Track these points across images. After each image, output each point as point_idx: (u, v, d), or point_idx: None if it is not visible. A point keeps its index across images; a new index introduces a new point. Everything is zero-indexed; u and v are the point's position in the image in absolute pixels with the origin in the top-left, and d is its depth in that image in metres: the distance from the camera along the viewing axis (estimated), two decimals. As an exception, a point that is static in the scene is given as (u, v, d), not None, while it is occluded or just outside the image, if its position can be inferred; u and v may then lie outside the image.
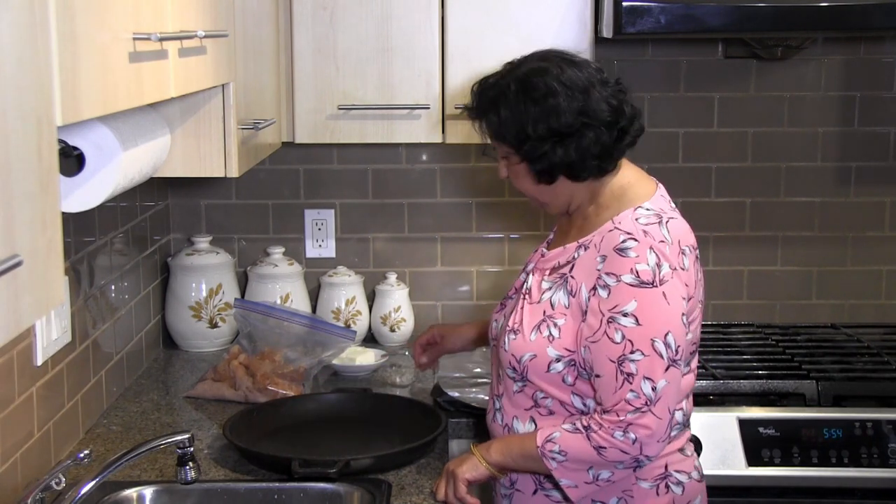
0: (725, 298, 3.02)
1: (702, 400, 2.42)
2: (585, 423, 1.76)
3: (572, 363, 1.79)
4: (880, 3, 2.44)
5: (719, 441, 2.35)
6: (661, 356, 1.72)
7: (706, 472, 2.00)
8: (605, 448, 1.73)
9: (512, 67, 1.86)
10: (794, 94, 2.96)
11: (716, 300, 3.00)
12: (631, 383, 1.72)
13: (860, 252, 3.02)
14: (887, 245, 3.02)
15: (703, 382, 2.46)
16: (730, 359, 2.64)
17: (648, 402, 1.71)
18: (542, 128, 1.78)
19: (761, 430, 2.37)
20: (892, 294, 3.03)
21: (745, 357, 2.66)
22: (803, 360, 2.61)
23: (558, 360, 1.80)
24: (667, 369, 1.73)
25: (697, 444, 2.30)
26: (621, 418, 1.72)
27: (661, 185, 1.90)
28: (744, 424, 2.37)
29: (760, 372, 2.54)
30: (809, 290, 3.04)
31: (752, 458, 2.34)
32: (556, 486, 1.83)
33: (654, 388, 1.72)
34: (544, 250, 1.93)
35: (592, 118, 1.79)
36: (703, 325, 2.85)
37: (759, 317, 3.01)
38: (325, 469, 1.96)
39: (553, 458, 1.77)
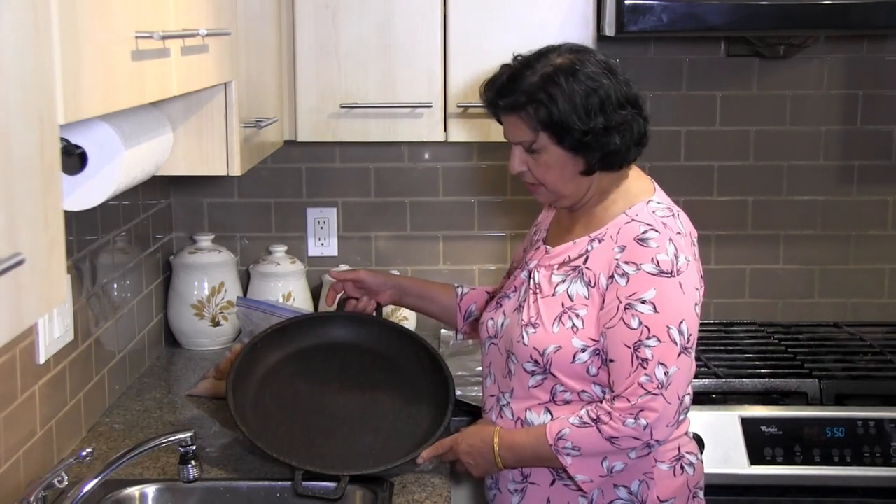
0: (728, 297, 3.02)
1: (704, 398, 2.42)
2: (594, 416, 1.78)
3: (597, 352, 1.81)
4: (883, 1, 2.44)
5: (722, 440, 2.35)
6: (675, 343, 1.76)
7: (708, 470, 2.02)
8: (617, 438, 1.77)
9: (536, 59, 1.82)
10: (796, 93, 2.96)
11: (718, 299, 3.00)
12: (645, 368, 1.75)
13: (863, 250, 3.02)
14: (890, 243, 3.01)
15: (706, 381, 2.46)
16: (732, 357, 2.64)
17: (660, 387, 1.75)
18: (601, 120, 1.78)
19: (764, 428, 2.37)
20: (894, 292, 3.03)
21: (747, 356, 2.66)
22: (806, 359, 2.61)
23: (583, 351, 1.81)
24: (679, 356, 1.77)
25: (700, 443, 2.30)
26: (632, 403, 1.75)
27: (653, 180, 1.95)
28: (746, 423, 2.37)
29: (763, 370, 2.54)
30: (812, 288, 3.03)
31: (755, 457, 2.34)
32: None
33: (666, 374, 1.75)
34: (547, 247, 1.93)
35: (635, 106, 1.84)
36: (705, 324, 2.88)
37: (761, 315, 3.01)
38: (327, 491, 1.92)
39: (568, 454, 1.80)
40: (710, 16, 2.45)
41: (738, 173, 2.99)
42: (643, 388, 1.75)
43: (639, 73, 2.91)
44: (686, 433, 1.94)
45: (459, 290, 2.22)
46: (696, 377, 2.41)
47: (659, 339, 1.76)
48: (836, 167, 2.99)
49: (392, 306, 2.90)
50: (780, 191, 3.00)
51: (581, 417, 1.79)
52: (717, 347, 2.72)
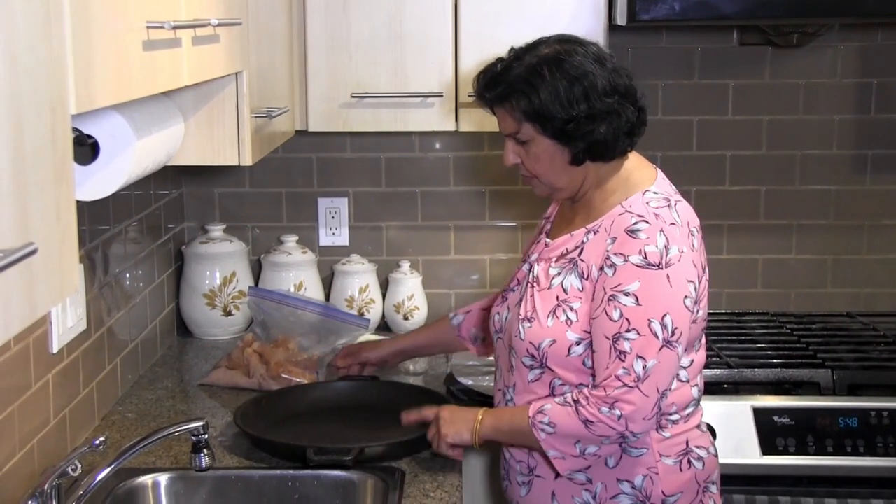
0: (740, 287, 3.02)
1: (716, 389, 2.42)
2: (574, 398, 1.78)
3: (592, 345, 1.80)
4: (897, -11, 2.43)
5: (734, 430, 2.34)
6: (657, 336, 1.74)
7: (720, 460, 2.00)
8: (592, 423, 1.76)
9: (526, 51, 1.84)
10: (809, 82, 2.94)
11: (730, 289, 2.99)
12: (623, 361, 1.74)
13: (876, 240, 3.00)
14: (903, 233, 3.00)
15: (718, 371, 2.46)
16: (744, 347, 2.64)
17: (637, 380, 1.74)
18: (584, 107, 1.78)
19: (776, 418, 2.36)
20: (907, 282, 3.02)
21: (759, 346, 2.66)
22: (818, 349, 2.61)
23: (578, 344, 1.81)
24: (660, 349, 1.75)
25: (712, 433, 2.29)
26: (608, 394, 1.75)
27: (658, 168, 1.92)
28: (758, 413, 2.37)
29: (775, 361, 2.53)
30: (824, 278, 3.02)
31: (767, 447, 2.34)
32: (578, 469, 1.85)
33: (644, 367, 1.74)
34: (547, 240, 1.93)
35: (623, 96, 1.81)
36: (717, 314, 2.87)
37: (773, 305, 3.00)
38: (341, 456, 1.96)
39: (542, 430, 1.79)
40: (723, 4, 2.44)
41: (750, 163, 2.98)
42: (620, 380, 1.74)
43: (650, 62, 2.90)
44: (698, 426, 1.92)
45: (454, 320, 2.28)
46: (707, 367, 2.42)
47: (639, 333, 1.74)
48: (850, 156, 2.98)
49: (405, 296, 2.91)
50: (793, 180, 2.99)
51: (564, 397, 1.80)
52: (730, 337, 2.71)
